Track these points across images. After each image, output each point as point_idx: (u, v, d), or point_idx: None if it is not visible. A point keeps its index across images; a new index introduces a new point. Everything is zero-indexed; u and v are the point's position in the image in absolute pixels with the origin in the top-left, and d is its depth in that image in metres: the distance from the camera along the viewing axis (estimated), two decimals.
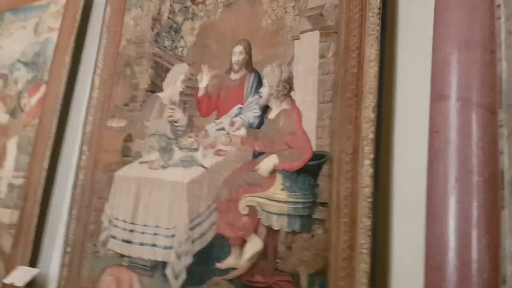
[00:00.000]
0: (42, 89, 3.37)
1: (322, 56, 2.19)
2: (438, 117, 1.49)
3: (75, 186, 2.87)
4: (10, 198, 3.20)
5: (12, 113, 3.50)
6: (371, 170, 1.90)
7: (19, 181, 3.19)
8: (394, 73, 2.06)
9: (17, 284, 2.64)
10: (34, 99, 3.41)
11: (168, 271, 2.32)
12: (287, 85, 2.25)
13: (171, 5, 2.84)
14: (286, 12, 2.37)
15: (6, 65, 3.72)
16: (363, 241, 1.84)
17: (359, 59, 2.07)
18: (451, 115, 1.42)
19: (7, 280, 2.68)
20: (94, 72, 3.07)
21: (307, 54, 2.24)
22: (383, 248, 1.87)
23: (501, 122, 1.41)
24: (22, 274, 2.69)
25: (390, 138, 1.99)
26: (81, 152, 2.92)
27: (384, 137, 1.99)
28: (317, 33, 2.23)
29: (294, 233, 2.03)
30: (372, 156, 1.91)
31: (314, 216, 2.01)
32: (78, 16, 3.34)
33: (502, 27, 1.49)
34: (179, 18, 2.78)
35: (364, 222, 1.85)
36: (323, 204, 2.00)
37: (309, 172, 2.07)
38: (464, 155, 1.37)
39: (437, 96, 1.51)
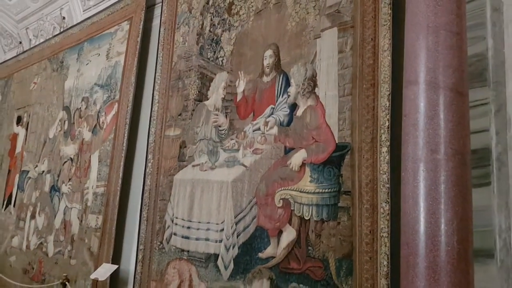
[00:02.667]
0: (115, 107, 3.82)
1: (340, 51, 2.28)
2: (407, 102, 1.53)
3: (144, 190, 3.24)
4: (95, 205, 3.67)
5: (94, 131, 4.01)
6: (388, 157, 1.96)
7: (101, 190, 3.65)
8: None
9: (100, 279, 3.04)
10: (109, 117, 3.87)
11: (219, 262, 2.55)
12: (312, 83, 2.37)
13: (211, 19, 3.09)
14: (308, 13, 2.48)
15: (87, 89, 4.26)
16: (383, 225, 1.91)
17: (374, 50, 2.13)
18: (417, 99, 1.45)
19: (92, 276, 3.10)
20: (154, 88, 3.42)
21: (327, 51, 2.34)
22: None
23: (488, 100, 1.41)
24: (104, 270, 3.10)
25: None
26: (147, 160, 3.28)
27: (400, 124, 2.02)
28: (335, 29, 2.32)
29: (322, 221, 2.15)
30: (388, 143, 1.98)
31: (339, 205, 2.11)
32: (139, 39, 3.74)
33: (487, 4, 1.48)
34: (219, 30, 3.01)
35: (383, 207, 1.93)
36: (347, 193, 2.09)
37: (334, 163, 2.17)
38: (427, 136, 1.40)
39: (406, 81, 1.55)
